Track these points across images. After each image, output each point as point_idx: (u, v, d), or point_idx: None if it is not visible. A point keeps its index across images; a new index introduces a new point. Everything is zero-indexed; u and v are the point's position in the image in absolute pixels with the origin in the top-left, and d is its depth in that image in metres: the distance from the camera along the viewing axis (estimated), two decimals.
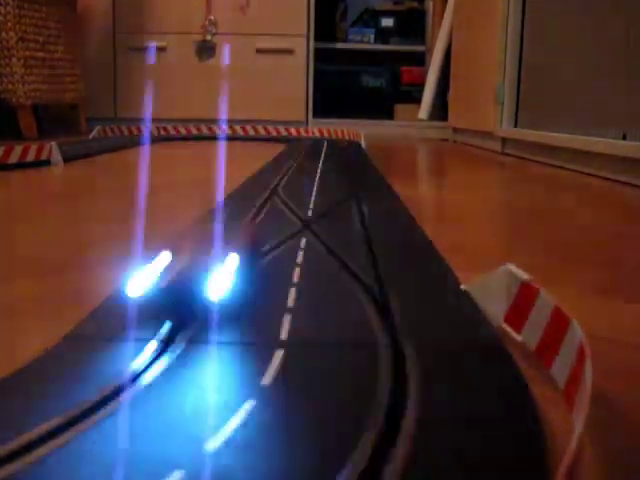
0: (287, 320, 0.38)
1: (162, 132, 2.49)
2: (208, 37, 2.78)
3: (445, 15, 2.82)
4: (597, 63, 1.44)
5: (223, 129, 2.56)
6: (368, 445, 0.24)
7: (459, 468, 0.23)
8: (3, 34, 2.02)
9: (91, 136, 2.21)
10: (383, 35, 3.14)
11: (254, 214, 0.74)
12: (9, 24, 2.02)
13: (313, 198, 0.88)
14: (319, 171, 1.25)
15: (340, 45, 3.10)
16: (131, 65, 2.78)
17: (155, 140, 2.25)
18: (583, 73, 1.51)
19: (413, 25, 3.14)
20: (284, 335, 0.36)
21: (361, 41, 3.14)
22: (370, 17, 3.19)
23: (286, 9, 2.78)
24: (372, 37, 3.13)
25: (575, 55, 1.55)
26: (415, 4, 3.17)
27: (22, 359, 0.32)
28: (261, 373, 0.31)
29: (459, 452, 0.24)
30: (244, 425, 0.26)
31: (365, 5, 3.25)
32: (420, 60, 3.13)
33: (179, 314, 0.38)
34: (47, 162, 1.39)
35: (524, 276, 0.38)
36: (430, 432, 0.25)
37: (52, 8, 2.24)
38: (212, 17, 2.77)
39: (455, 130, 2.69)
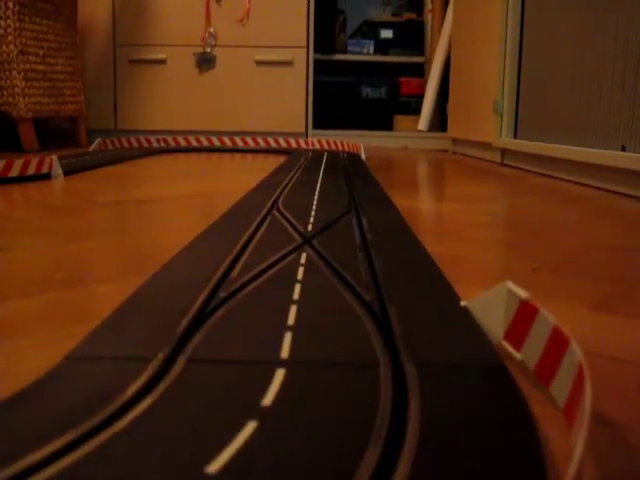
0: (288, 338, 0.38)
1: (162, 144, 2.50)
2: (208, 49, 2.79)
3: (444, 26, 2.83)
4: (596, 75, 1.44)
5: (223, 141, 2.56)
6: (369, 466, 0.24)
7: None
8: (4, 47, 2.03)
9: (91, 149, 2.22)
10: (382, 46, 3.15)
11: (254, 229, 0.75)
12: (9, 37, 2.03)
13: (313, 212, 0.88)
14: (319, 184, 1.25)
15: (339, 56, 3.12)
16: (131, 77, 2.79)
17: (155, 152, 2.25)
18: (582, 85, 1.51)
19: (412, 36, 3.15)
20: (285, 354, 0.36)
21: (360, 52, 3.15)
22: (369, 28, 3.21)
23: (285, 21, 2.79)
24: (371, 48, 3.14)
25: (574, 66, 1.56)
26: (414, 15, 3.18)
27: (22, 379, 0.32)
28: (262, 393, 0.31)
29: (459, 472, 0.24)
30: (245, 446, 0.26)
31: (364, 17, 3.27)
32: (419, 71, 3.14)
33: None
34: (48, 175, 1.39)
35: (523, 294, 0.38)
36: (431, 452, 0.26)
37: (52, 21, 2.25)
38: (212, 29, 2.79)
39: (454, 141, 2.70)
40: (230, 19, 2.79)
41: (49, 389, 0.31)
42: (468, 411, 0.29)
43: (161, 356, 0.35)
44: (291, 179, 1.31)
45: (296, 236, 0.71)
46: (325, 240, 0.69)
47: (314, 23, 2.82)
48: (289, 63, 2.82)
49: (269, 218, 0.82)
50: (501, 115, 2.00)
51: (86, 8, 2.67)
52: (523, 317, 0.37)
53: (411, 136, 2.98)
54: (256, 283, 0.51)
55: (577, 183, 1.51)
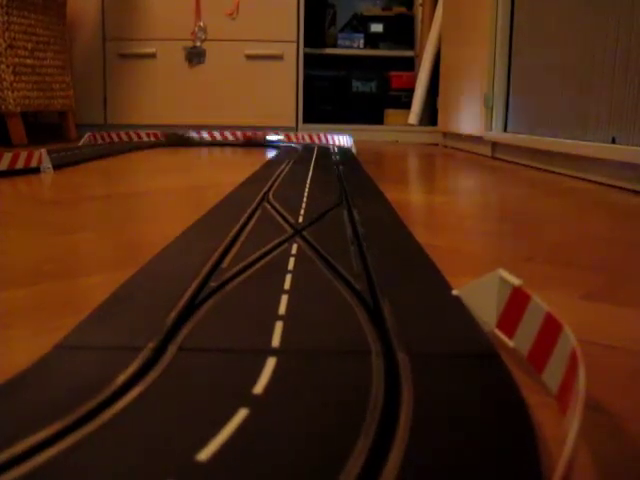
0: (279, 327, 0.38)
1: (152, 138, 2.48)
2: (198, 43, 2.78)
3: (434, 20, 2.83)
4: (586, 67, 1.44)
5: (213, 135, 2.55)
6: (361, 454, 0.24)
7: (452, 476, 0.23)
8: None
9: (81, 143, 2.20)
10: (372, 40, 3.15)
11: (245, 220, 0.74)
12: None
13: (304, 204, 0.88)
14: (309, 177, 1.25)
15: (329, 50, 3.11)
16: (121, 72, 2.78)
17: (145, 146, 2.24)
18: (572, 77, 1.51)
19: (402, 30, 3.15)
20: (276, 343, 0.36)
21: (350, 46, 3.14)
22: (359, 22, 3.20)
23: (275, 15, 2.78)
24: (361, 42, 3.14)
25: (564, 59, 1.56)
26: (404, 9, 3.18)
27: (11, 369, 0.32)
28: (253, 381, 0.31)
29: (452, 460, 0.24)
30: (236, 435, 0.25)
31: (354, 10, 3.26)
32: (409, 65, 3.13)
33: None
34: (37, 169, 1.38)
35: (515, 281, 0.38)
36: (423, 440, 0.25)
37: (41, 15, 2.24)
38: (202, 23, 2.77)
39: (445, 135, 2.70)
40: (220, 13, 2.78)
41: (38, 378, 0.31)
42: (461, 399, 0.29)
43: (151, 345, 0.35)
44: (282, 172, 1.31)
45: (287, 227, 0.70)
46: (316, 231, 0.69)
47: (304, 17, 2.82)
48: (279, 57, 2.81)
49: (260, 210, 0.82)
50: (491, 108, 2.00)
51: (75, 2, 2.65)
52: (515, 304, 0.37)
53: (402, 130, 2.98)
54: (247, 273, 0.51)
55: (568, 175, 1.51)
